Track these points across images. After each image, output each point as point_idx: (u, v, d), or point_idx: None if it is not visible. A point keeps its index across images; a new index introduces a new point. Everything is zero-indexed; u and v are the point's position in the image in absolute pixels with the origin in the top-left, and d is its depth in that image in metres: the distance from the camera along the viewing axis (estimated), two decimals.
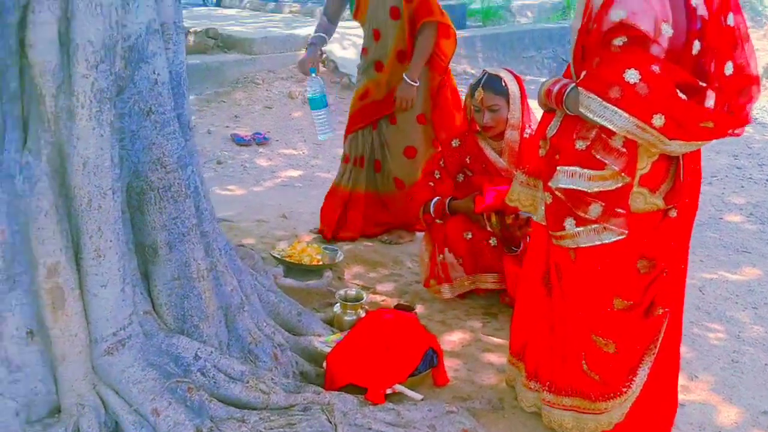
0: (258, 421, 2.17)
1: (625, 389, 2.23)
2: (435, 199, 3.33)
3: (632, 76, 1.91)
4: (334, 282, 3.48)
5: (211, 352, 2.33)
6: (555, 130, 2.19)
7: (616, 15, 1.91)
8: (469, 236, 3.24)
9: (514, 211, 3.01)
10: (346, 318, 2.98)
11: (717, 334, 3.22)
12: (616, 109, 1.94)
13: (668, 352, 2.29)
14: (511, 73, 3.24)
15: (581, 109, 2.00)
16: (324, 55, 7.84)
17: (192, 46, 7.76)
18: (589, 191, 2.05)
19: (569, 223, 2.12)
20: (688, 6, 1.98)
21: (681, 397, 2.56)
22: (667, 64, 1.94)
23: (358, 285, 3.51)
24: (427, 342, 2.64)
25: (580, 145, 2.06)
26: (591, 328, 2.19)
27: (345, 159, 4.08)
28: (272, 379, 2.37)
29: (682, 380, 2.67)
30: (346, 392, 2.42)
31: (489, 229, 3.22)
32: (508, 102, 3.16)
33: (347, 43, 7.91)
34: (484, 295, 3.39)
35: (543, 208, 2.26)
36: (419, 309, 3.27)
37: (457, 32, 3.92)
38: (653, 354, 2.25)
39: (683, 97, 1.93)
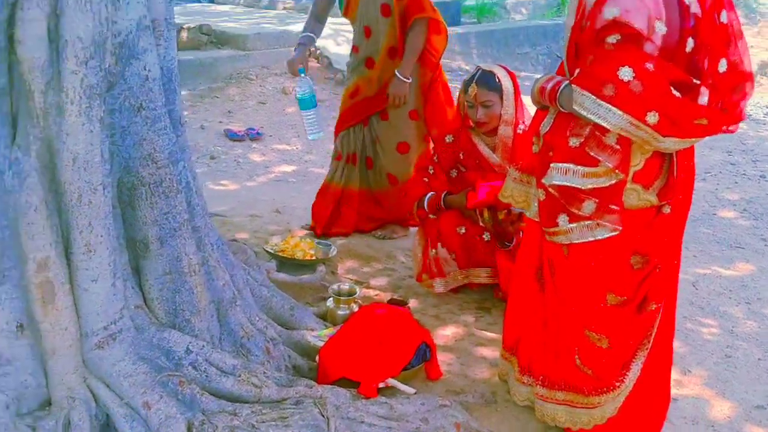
0: (250, 415, 2.16)
1: (618, 384, 2.23)
2: (429, 194, 3.33)
3: (626, 73, 1.91)
4: (327, 276, 3.47)
5: (203, 346, 2.33)
6: (548, 127, 2.18)
7: (609, 13, 1.91)
8: (463, 231, 3.24)
9: (506, 206, 3.01)
10: (339, 312, 2.98)
11: (710, 329, 3.23)
12: (610, 106, 1.93)
13: (661, 347, 2.30)
14: (505, 69, 3.24)
15: (575, 107, 2.00)
16: (318, 51, 7.90)
17: (185, 42, 7.73)
18: (582, 188, 2.05)
19: (562, 219, 2.12)
20: (682, 4, 1.97)
21: (674, 391, 2.57)
22: (660, 61, 1.94)
23: (352, 280, 3.51)
24: (420, 336, 2.64)
25: (573, 142, 2.06)
26: (584, 324, 2.19)
27: (337, 156, 4.06)
28: (264, 373, 2.36)
29: (675, 375, 2.67)
30: (338, 386, 2.41)
31: (481, 224, 3.22)
32: (501, 98, 3.16)
33: (341, 39, 7.90)
34: (478, 290, 3.39)
35: (536, 204, 2.25)
36: (413, 303, 3.27)
37: (452, 29, 3.93)
38: (646, 349, 2.25)
39: (677, 94, 1.93)
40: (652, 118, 1.92)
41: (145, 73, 2.17)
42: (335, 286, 3.10)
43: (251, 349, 2.50)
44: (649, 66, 1.91)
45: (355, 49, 3.94)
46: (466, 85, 3.21)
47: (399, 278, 3.60)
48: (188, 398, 2.16)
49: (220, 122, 6.54)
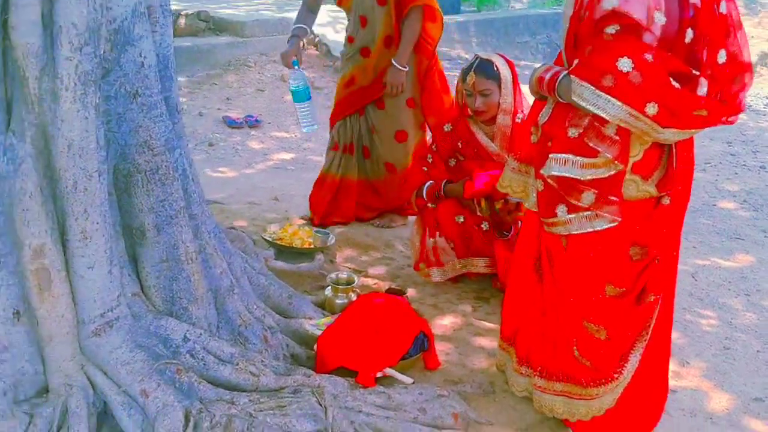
0: (248, 403, 2.16)
1: (616, 375, 2.22)
2: (428, 183, 3.32)
3: (625, 64, 1.89)
4: (325, 265, 3.46)
5: (201, 334, 2.32)
6: (547, 118, 2.17)
7: (608, 3, 1.89)
8: (461, 220, 3.23)
9: (503, 196, 2.99)
10: (338, 301, 2.97)
11: (709, 321, 3.22)
12: (609, 97, 1.92)
13: (659, 338, 2.29)
14: (503, 57, 3.22)
15: (574, 98, 1.98)
16: (317, 39, 7.86)
17: (183, 29, 7.69)
18: (581, 179, 2.04)
19: (561, 210, 2.11)
20: None
21: (673, 383, 2.56)
22: (660, 52, 1.92)
23: (350, 268, 3.51)
24: (418, 326, 2.63)
25: (572, 132, 2.04)
26: (582, 315, 2.18)
27: (334, 146, 4.03)
28: (262, 361, 2.36)
29: (673, 366, 2.68)
30: (336, 375, 2.41)
31: (479, 214, 3.21)
32: (499, 87, 3.14)
33: (339, 27, 7.86)
34: (476, 280, 3.38)
35: (535, 194, 2.24)
36: (411, 293, 3.26)
37: (452, 17, 3.93)
38: (645, 341, 2.24)
39: (676, 85, 1.92)
40: (652, 109, 1.91)
41: (140, 59, 2.15)
42: (333, 275, 3.09)
43: (249, 338, 2.49)
44: (648, 57, 1.89)
45: (350, 39, 3.91)
46: (465, 73, 3.19)
47: (397, 267, 3.59)
48: (186, 386, 2.16)
49: (219, 109, 6.51)
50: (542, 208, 2.19)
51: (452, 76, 3.96)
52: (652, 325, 2.24)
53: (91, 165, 2.01)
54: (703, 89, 1.95)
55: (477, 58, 3.21)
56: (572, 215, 2.09)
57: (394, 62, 3.73)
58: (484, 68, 3.14)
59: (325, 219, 3.99)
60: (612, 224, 2.07)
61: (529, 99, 2.52)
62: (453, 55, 8.31)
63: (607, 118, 1.95)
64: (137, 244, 2.30)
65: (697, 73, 1.96)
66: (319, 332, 2.63)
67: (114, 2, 2.07)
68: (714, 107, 1.96)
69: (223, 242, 2.67)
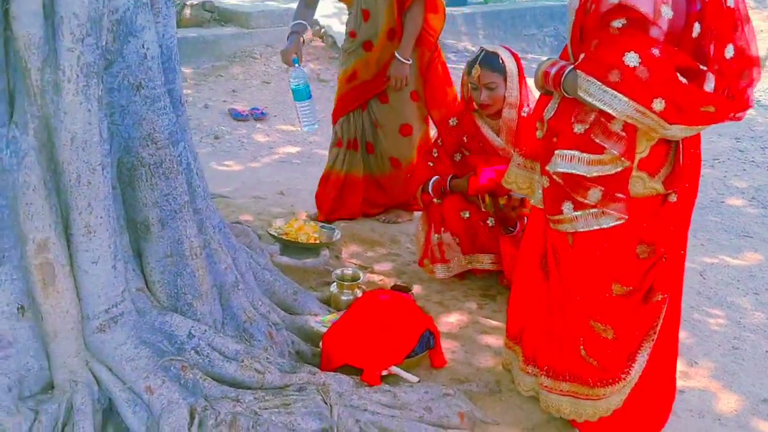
0: (252, 401, 2.15)
1: (623, 375, 2.20)
2: (433, 179, 3.29)
3: (632, 59, 1.86)
4: (331, 261, 3.45)
5: (205, 330, 2.30)
6: (552, 113, 2.14)
7: None
8: (467, 215, 3.20)
9: (507, 192, 2.97)
10: (343, 297, 2.96)
11: (717, 320, 3.19)
12: (616, 93, 1.89)
13: (667, 338, 2.26)
14: (509, 50, 3.19)
15: (580, 93, 1.95)
16: (322, 30, 7.82)
17: (189, 19, 7.67)
18: (587, 176, 2.01)
19: (567, 207, 2.08)
20: None
21: (680, 383, 2.54)
22: (667, 47, 1.89)
23: (356, 264, 3.48)
24: (424, 324, 2.61)
25: (578, 128, 2.01)
26: (589, 314, 2.16)
27: (337, 143, 4.00)
28: (267, 358, 2.34)
29: (681, 366, 2.65)
30: (342, 373, 2.39)
31: (484, 209, 3.19)
32: (505, 80, 3.11)
33: (345, 18, 7.80)
34: (482, 277, 3.36)
35: (540, 191, 2.21)
36: (417, 289, 3.24)
37: (458, 9, 3.88)
38: (652, 340, 2.22)
39: (683, 80, 1.89)
40: (659, 105, 1.88)
41: (143, 51, 2.13)
42: (339, 271, 3.07)
43: (254, 334, 2.48)
44: (655, 51, 1.87)
45: (352, 33, 3.87)
46: (470, 66, 3.16)
47: (403, 263, 3.57)
48: (191, 383, 2.15)
49: (225, 101, 6.49)
50: (548, 205, 2.16)
51: (459, 69, 3.94)
52: (659, 325, 2.22)
53: (94, 158, 1.99)
54: (710, 84, 1.93)
55: (482, 50, 3.18)
56: (578, 212, 2.07)
57: (397, 55, 3.70)
58: (489, 61, 3.10)
59: (330, 216, 3.96)
60: (618, 222, 2.04)
61: (535, 92, 2.49)
62: (459, 48, 8.27)
63: (614, 114, 1.92)
64: (141, 238, 2.28)
65: (705, 68, 1.93)
66: (324, 329, 2.62)
67: None
68: (722, 103, 1.94)
69: (227, 237, 2.65)
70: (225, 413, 2.05)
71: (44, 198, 1.95)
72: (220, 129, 5.89)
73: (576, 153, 2.02)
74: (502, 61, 3.11)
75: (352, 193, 4.00)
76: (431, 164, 3.37)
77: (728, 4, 1.93)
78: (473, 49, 8.07)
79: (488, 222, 3.20)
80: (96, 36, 1.94)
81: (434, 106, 3.88)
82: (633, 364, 2.21)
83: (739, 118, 2.00)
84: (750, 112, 2.38)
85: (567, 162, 2.03)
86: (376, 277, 3.38)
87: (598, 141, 1.98)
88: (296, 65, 3.53)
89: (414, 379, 2.47)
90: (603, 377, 2.20)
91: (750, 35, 1.96)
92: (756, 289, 3.52)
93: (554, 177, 2.08)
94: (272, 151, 5.58)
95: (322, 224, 3.72)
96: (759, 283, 3.58)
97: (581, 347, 2.20)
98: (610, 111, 1.91)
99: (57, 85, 1.89)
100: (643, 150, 2.03)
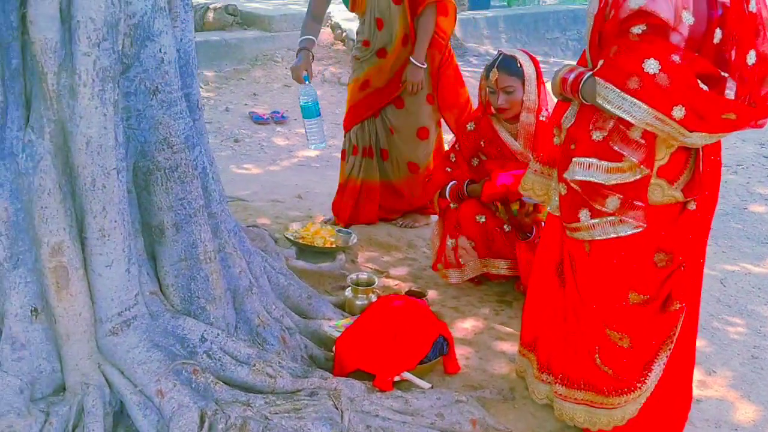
0: (263, 405, 2.15)
1: (639, 385, 2.17)
2: (450, 183, 3.28)
3: (652, 66, 1.83)
4: (347, 265, 3.44)
5: (218, 334, 2.31)
6: (572, 120, 2.12)
7: (634, 2, 1.84)
8: (482, 220, 3.19)
9: (518, 197, 2.95)
10: (358, 302, 2.95)
11: (737, 329, 3.14)
12: (635, 100, 1.86)
13: (684, 347, 2.23)
14: (527, 54, 3.17)
15: (598, 100, 1.93)
16: (344, 34, 7.84)
17: (211, 23, 7.74)
18: (606, 183, 1.99)
19: (584, 214, 2.06)
20: None
21: (697, 392, 2.50)
22: (687, 53, 1.86)
23: (371, 269, 3.48)
24: (438, 329, 2.60)
25: (596, 136, 1.99)
26: (605, 322, 2.14)
27: (353, 151, 3.97)
28: (279, 363, 2.34)
29: (699, 375, 2.62)
30: (354, 378, 2.38)
31: (498, 216, 3.18)
32: (523, 84, 3.09)
33: None
34: (498, 282, 3.34)
35: (557, 198, 2.19)
36: (433, 294, 3.23)
37: (480, 13, 3.87)
38: (669, 349, 2.18)
39: (704, 87, 1.86)
40: (679, 112, 1.85)
41: (160, 55, 2.14)
42: (353, 276, 3.07)
43: (267, 338, 2.48)
44: (676, 58, 1.84)
45: (365, 43, 3.84)
46: (488, 70, 3.15)
47: (419, 268, 3.55)
48: (202, 387, 2.15)
49: (245, 105, 6.53)
50: (565, 213, 2.14)
51: (480, 73, 3.92)
52: (676, 334, 2.19)
53: (109, 162, 2.00)
54: (730, 91, 1.90)
55: (500, 54, 3.16)
56: (595, 220, 2.05)
57: (412, 60, 3.70)
58: (507, 65, 3.09)
59: (348, 224, 3.96)
60: (636, 230, 2.02)
61: (554, 96, 2.48)
62: (481, 51, 8.26)
63: (633, 121, 1.89)
64: (156, 242, 2.29)
65: (726, 74, 1.90)
66: (337, 334, 2.61)
67: None
68: (743, 110, 1.90)
69: (242, 241, 2.66)
70: (235, 417, 2.05)
71: (59, 201, 1.96)
72: (241, 132, 5.93)
73: (594, 161, 1.99)
74: (520, 65, 3.09)
75: (369, 200, 3.99)
76: (449, 169, 3.36)
77: (750, 9, 1.90)
78: (495, 52, 8.05)
79: (504, 228, 3.18)
80: (112, 40, 1.95)
81: (447, 108, 3.88)
82: (649, 374, 2.18)
83: (761, 126, 1.97)
84: None
85: (585, 170, 2.01)
86: (391, 282, 3.37)
87: (616, 148, 1.96)
88: (306, 82, 3.51)
89: (426, 385, 2.45)
90: (618, 386, 2.17)
91: None
92: None
93: (572, 184, 2.06)
94: (291, 154, 5.60)
95: (339, 228, 3.72)
96: None
97: (596, 356, 2.17)
98: (628, 118, 1.89)
99: (73, 90, 1.91)
100: (662, 157, 2.00)
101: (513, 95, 3.10)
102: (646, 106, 1.86)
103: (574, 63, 2.18)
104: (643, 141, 1.94)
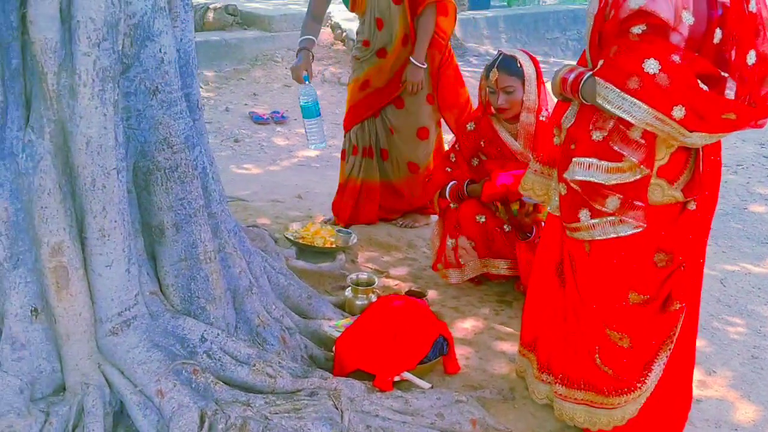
0: (263, 405, 2.15)
1: (639, 385, 2.17)
2: (450, 184, 3.28)
3: (652, 66, 1.83)
4: (347, 265, 3.44)
5: (218, 334, 2.31)
6: (571, 120, 2.12)
7: (634, 2, 1.84)
8: (482, 220, 3.19)
9: (518, 197, 2.95)
10: (358, 302, 2.95)
11: (737, 329, 3.14)
12: (635, 100, 1.87)
13: (684, 347, 2.23)
14: (527, 54, 3.18)
15: (598, 100, 1.93)
16: (344, 34, 7.84)
17: (211, 23, 7.74)
18: (606, 183, 1.99)
19: (584, 214, 2.06)
20: None
21: (697, 392, 2.50)
22: (687, 53, 1.86)
23: (371, 269, 3.48)
24: (437, 329, 2.60)
25: (596, 136, 1.99)
26: (605, 322, 2.14)
27: (353, 151, 3.97)
28: (279, 363, 2.34)
29: (699, 375, 2.62)
30: (354, 378, 2.38)
31: (497, 216, 3.18)
32: (523, 84, 3.09)
33: None
34: (499, 282, 3.34)
35: (557, 198, 2.19)
36: (432, 294, 3.23)
37: (480, 12, 3.87)
38: (669, 349, 2.18)
39: (704, 87, 1.86)
40: (679, 112, 1.85)
41: (160, 55, 2.14)
42: (353, 276, 3.07)
43: (267, 338, 2.48)
44: (676, 58, 1.84)
45: (365, 43, 3.84)
46: (488, 70, 3.15)
47: (419, 268, 3.56)
48: (202, 387, 2.15)
49: (245, 105, 6.53)
50: (565, 213, 2.14)
51: (480, 73, 3.92)
52: (676, 334, 2.19)
53: (109, 162, 2.00)
54: (730, 91, 1.90)
55: (500, 54, 3.16)
56: (595, 220, 2.05)
57: (413, 60, 3.70)
58: (507, 65, 3.09)
59: (348, 224, 3.96)
60: (636, 230, 2.02)
61: (554, 96, 2.48)
62: (481, 51, 8.26)
63: (633, 121, 1.89)
64: (156, 242, 2.29)
65: (726, 74, 1.90)
66: (337, 334, 2.61)
67: None
68: (743, 110, 1.90)
69: (242, 241, 2.66)
70: (235, 417, 2.05)
71: (59, 201, 1.96)
72: (241, 132, 5.93)
73: (594, 161, 2.00)
74: (520, 65, 3.09)
75: (369, 200, 3.99)
76: (449, 169, 3.36)
77: (750, 9, 1.90)
78: (495, 52, 8.05)
79: (504, 228, 3.18)
80: (112, 40, 1.95)
81: (447, 108, 3.88)
82: (649, 374, 2.18)
83: (761, 126, 1.97)
84: None
85: (585, 170, 2.01)
86: (391, 282, 3.37)
87: (616, 148, 1.96)
88: (307, 82, 3.51)
89: (426, 385, 2.45)
90: (618, 386, 2.17)
91: None
92: None
93: (572, 184, 2.06)
94: (291, 154, 5.60)
95: (339, 228, 3.72)
96: None
97: (596, 356, 2.17)
98: (629, 118, 1.89)
99: (73, 90, 1.91)
100: (662, 157, 2.00)
101: (513, 95, 3.10)
102: (646, 106, 1.86)
103: (574, 63, 2.18)
104: (643, 141, 1.94)
